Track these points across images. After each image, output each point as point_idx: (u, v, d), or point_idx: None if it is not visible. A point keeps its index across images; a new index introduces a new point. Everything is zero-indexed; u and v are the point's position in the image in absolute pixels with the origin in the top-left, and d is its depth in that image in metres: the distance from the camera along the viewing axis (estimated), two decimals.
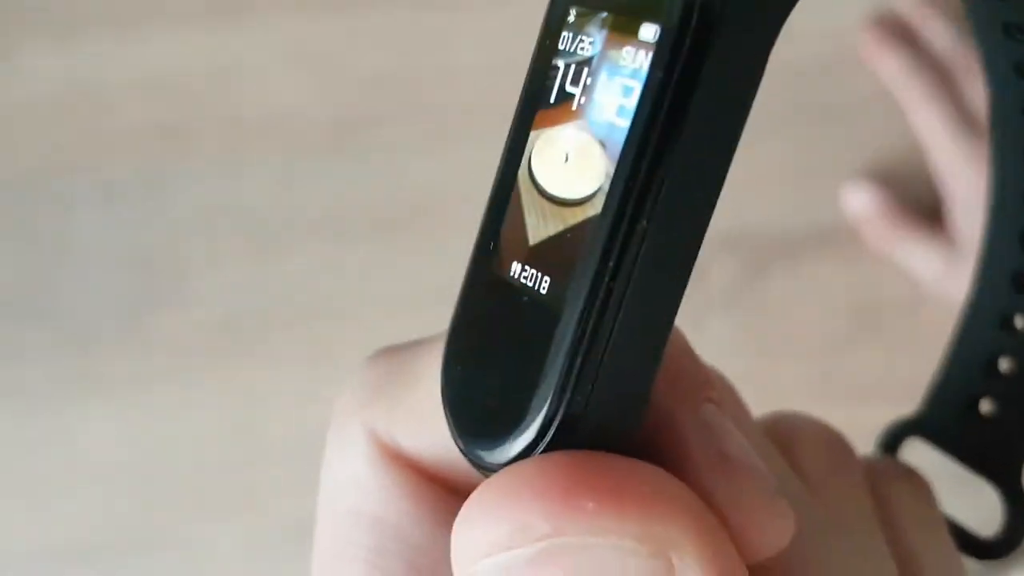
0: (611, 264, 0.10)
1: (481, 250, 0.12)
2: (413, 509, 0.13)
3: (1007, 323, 0.17)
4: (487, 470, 0.11)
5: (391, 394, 0.13)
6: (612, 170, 0.10)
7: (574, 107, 0.10)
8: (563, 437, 0.10)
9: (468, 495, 0.12)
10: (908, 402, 0.46)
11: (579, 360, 0.10)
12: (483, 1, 0.45)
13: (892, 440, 0.19)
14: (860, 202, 0.44)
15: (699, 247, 0.10)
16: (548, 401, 0.10)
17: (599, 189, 0.10)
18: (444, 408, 0.11)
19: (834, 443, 0.16)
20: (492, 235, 0.11)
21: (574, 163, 0.10)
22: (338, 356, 0.44)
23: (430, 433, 0.13)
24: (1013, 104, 0.14)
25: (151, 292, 0.44)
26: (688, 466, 0.11)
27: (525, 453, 0.10)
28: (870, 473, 0.16)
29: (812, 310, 0.44)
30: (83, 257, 0.44)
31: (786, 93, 0.45)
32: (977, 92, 0.44)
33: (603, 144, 0.10)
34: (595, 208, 0.10)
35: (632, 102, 0.09)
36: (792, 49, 0.47)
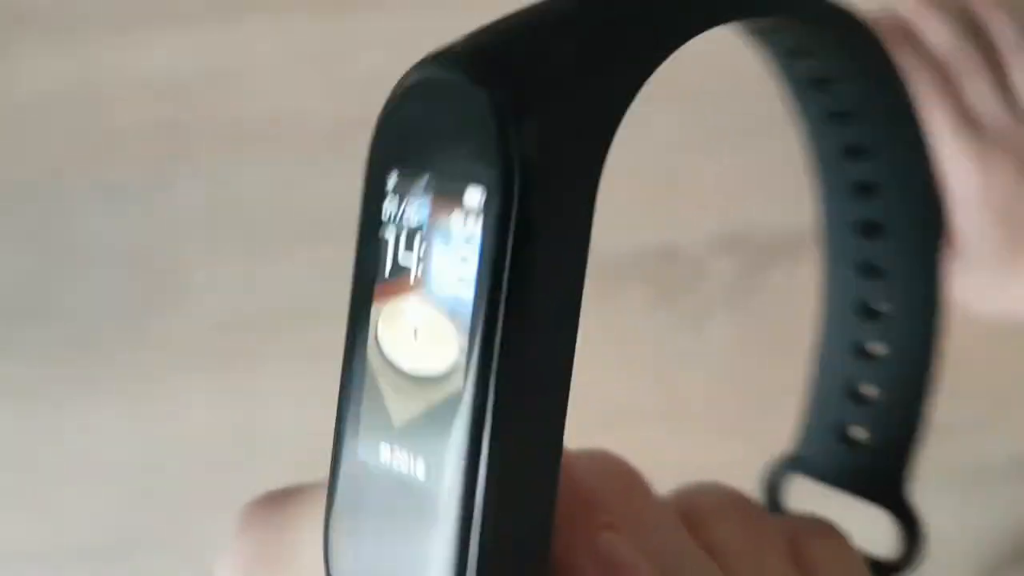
0: (484, 446, 0.09)
1: (346, 434, 0.11)
2: None
3: (860, 351, 0.17)
4: None
5: (268, 569, 0.13)
6: (465, 344, 0.09)
7: (411, 280, 0.10)
8: None
9: None
10: None
11: (471, 543, 0.09)
12: (483, 2, 0.45)
13: (773, 481, 0.19)
14: None
15: (566, 401, 0.10)
16: None
17: (455, 365, 0.09)
18: None
19: (743, 510, 0.16)
20: (353, 418, 0.11)
21: (424, 338, 0.10)
22: (336, 357, 0.44)
23: None
24: (828, 149, 0.16)
25: (152, 292, 0.44)
26: None
27: None
28: (785, 533, 0.16)
29: (811, 310, 0.44)
30: (84, 257, 0.44)
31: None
32: (977, 91, 0.44)
33: (450, 317, 0.09)
34: (455, 386, 0.09)
35: (471, 272, 0.09)
36: None
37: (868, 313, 0.16)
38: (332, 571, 0.11)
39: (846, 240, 0.16)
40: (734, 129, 0.45)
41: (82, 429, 0.44)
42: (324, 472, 0.40)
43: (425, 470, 0.10)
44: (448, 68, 0.10)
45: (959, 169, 0.43)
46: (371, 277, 0.10)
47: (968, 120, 0.44)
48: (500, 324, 0.09)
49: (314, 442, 0.48)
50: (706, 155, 0.45)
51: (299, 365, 0.44)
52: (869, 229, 0.15)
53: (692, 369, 0.44)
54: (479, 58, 0.09)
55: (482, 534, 0.09)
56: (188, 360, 0.44)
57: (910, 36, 0.45)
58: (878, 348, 0.17)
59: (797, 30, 0.14)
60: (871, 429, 0.16)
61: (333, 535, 0.11)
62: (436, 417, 0.10)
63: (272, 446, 0.44)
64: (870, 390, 0.17)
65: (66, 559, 0.44)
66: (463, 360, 0.09)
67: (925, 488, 0.45)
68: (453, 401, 0.09)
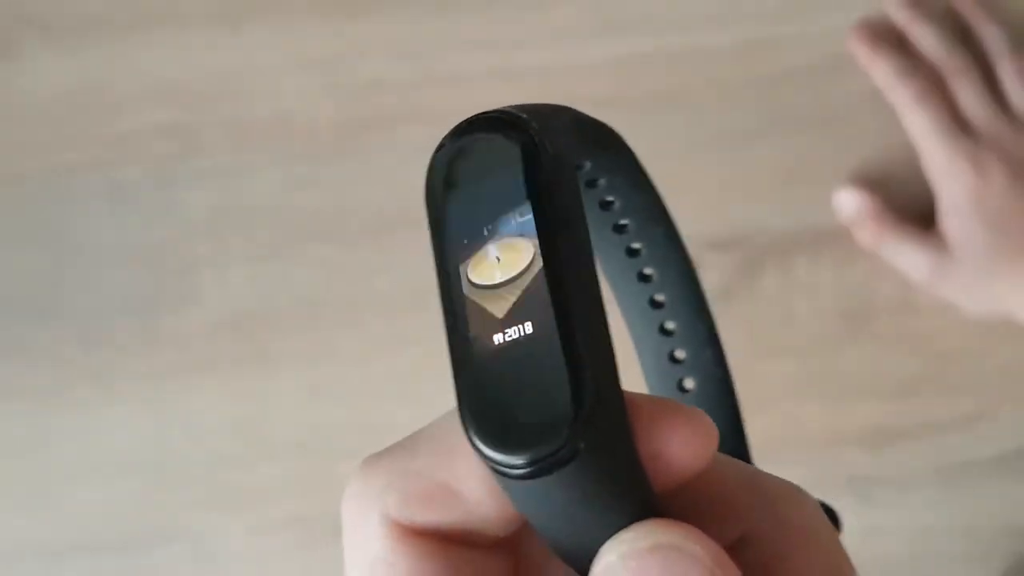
0: (564, 291, 0.14)
1: (460, 351, 0.15)
2: (437, 568, 0.14)
3: (673, 357, 0.22)
4: (524, 475, 0.13)
5: (399, 486, 0.15)
6: (536, 242, 0.14)
7: (485, 232, 0.15)
8: (594, 420, 0.13)
9: (480, 545, 0.14)
10: (898, 400, 0.47)
11: (579, 363, 0.13)
12: (482, 5, 0.45)
13: None
14: (852, 204, 0.44)
15: (595, 269, 0.15)
16: (570, 400, 0.13)
17: (533, 256, 0.14)
18: (475, 439, 0.14)
19: None
20: (463, 339, 0.14)
21: (505, 258, 0.14)
22: (342, 355, 0.45)
23: (443, 507, 0.14)
24: (613, 251, 0.20)
25: (160, 291, 0.44)
26: None
27: (568, 440, 0.13)
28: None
29: (804, 310, 0.45)
30: (93, 257, 0.44)
31: (779, 96, 0.46)
32: (968, 96, 0.44)
33: (521, 236, 0.14)
34: (536, 266, 0.14)
35: (528, 217, 0.14)
36: (786, 53, 0.47)
37: (672, 359, 0.22)
38: (477, 439, 0.14)
39: (644, 312, 0.21)
40: (730, 132, 0.46)
41: (91, 426, 0.44)
42: (328, 468, 0.41)
43: (531, 326, 0.14)
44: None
45: (953, 171, 0.43)
46: (456, 250, 0.15)
47: (960, 124, 0.44)
48: (551, 223, 0.14)
49: (317, 439, 0.48)
50: (704, 156, 0.46)
51: (304, 363, 0.45)
52: (656, 304, 0.21)
53: None
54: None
55: (579, 348, 0.13)
56: (195, 358, 0.44)
57: (901, 40, 0.45)
58: (688, 383, 0.22)
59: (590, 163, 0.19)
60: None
61: (469, 414, 0.14)
62: (528, 293, 0.14)
63: (277, 442, 0.45)
64: (692, 383, 0.22)
65: (76, 554, 0.44)
66: (537, 251, 0.14)
67: (915, 484, 0.45)
68: (537, 276, 0.14)
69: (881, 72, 0.45)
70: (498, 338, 0.14)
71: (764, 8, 0.46)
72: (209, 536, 0.44)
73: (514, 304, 0.14)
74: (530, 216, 0.14)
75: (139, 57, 0.45)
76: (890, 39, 0.45)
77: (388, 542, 0.14)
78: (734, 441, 0.22)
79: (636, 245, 0.20)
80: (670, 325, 0.21)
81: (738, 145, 0.45)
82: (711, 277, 0.44)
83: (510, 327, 0.14)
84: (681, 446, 0.14)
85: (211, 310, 0.44)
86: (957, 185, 0.43)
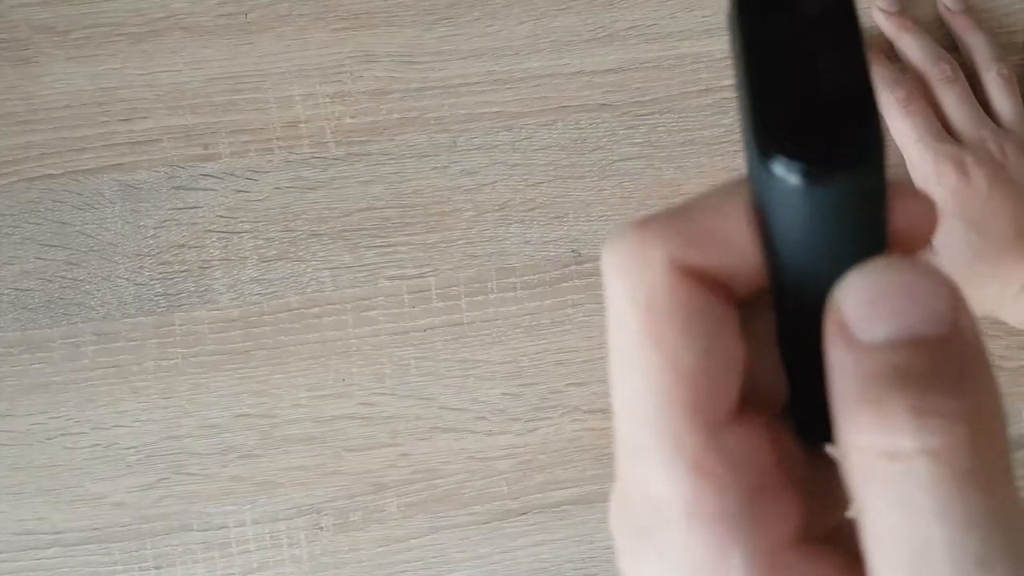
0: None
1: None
2: (703, 305, 0.16)
3: None
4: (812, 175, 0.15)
5: (682, 231, 0.16)
6: None
7: None
8: (880, 141, 0.15)
9: (744, 296, 0.16)
10: None
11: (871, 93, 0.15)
12: (483, 14, 0.46)
13: None
14: None
15: None
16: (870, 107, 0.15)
17: None
18: (783, 137, 0.15)
19: None
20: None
21: None
22: (348, 351, 0.46)
23: (717, 251, 0.16)
24: None
25: (173, 289, 0.45)
26: None
27: (871, 138, 0.15)
28: None
29: None
30: (108, 255, 0.45)
31: None
32: (952, 102, 0.45)
33: None
34: None
35: None
36: None
37: None
38: (784, 137, 0.15)
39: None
40: (724, 136, 0.47)
41: (106, 420, 0.45)
42: (336, 460, 0.42)
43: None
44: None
45: (937, 175, 0.43)
46: None
47: (945, 130, 0.45)
48: None
49: (324, 431, 0.49)
50: (698, 160, 0.47)
51: (314, 358, 0.45)
52: None
53: None
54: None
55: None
56: (208, 354, 0.45)
57: (887, 50, 0.46)
58: None
59: None
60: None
61: (764, 108, 0.15)
62: None
63: (290, 435, 0.45)
64: None
65: (90, 543, 0.45)
66: None
67: None
68: None
69: None
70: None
71: None
72: (220, 526, 0.45)
73: None
74: None
75: (153, 64, 0.45)
76: (877, 49, 0.46)
77: (672, 278, 0.16)
78: None
79: None
80: None
81: (729, 149, 0.46)
82: None
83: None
84: (914, 218, 0.16)
85: (222, 307, 0.45)
86: (941, 189, 0.43)
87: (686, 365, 0.16)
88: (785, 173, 0.15)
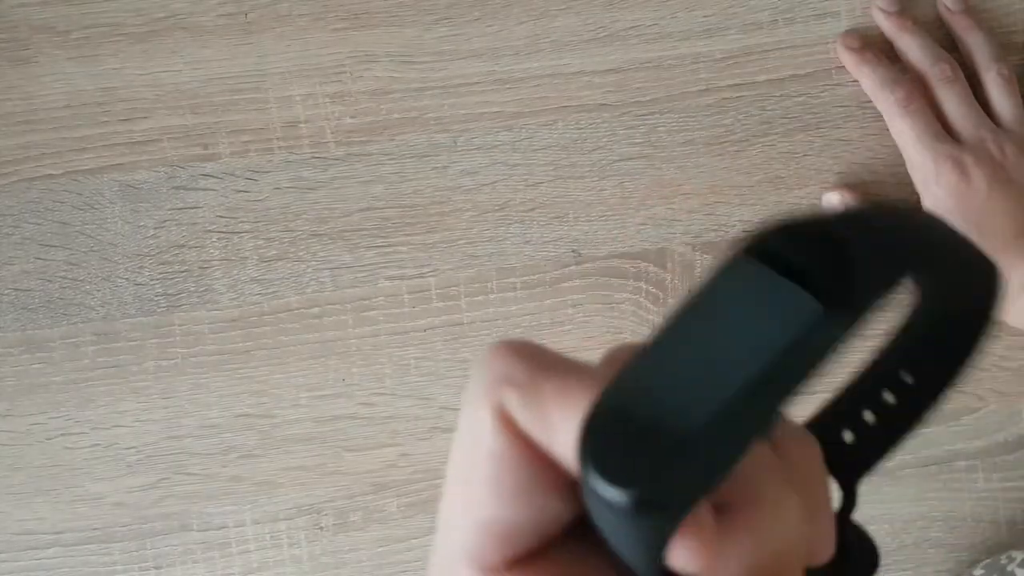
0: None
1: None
2: (521, 461, 0.17)
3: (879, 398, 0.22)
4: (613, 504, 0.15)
5: (524, 392, 0.17)
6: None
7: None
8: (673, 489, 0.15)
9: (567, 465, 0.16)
10: None
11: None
12: (483, 15, 0.46)
13: None
14: (838, 206, 0.44)
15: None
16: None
17: None
18: (589, 459, 0.15)
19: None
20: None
21: None
22: (348, 351, 0.46)
23: (547, 440, 0.17)
24: None
25: (173, 289, 0.45)
26: None
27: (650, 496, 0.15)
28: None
29: None
30: (108, 255, 0.45)
31: (772, 101, 0.46)
32: (952, 102, 0.45)
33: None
34: None
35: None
36: (777, 62, 0.48)
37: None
38: (591, 461, 0.15)
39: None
40: (722, 136, 0.46)
41: (106, 420, 0.45)
42: (335, 460, 0.42)
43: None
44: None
45: (936, 174, 0.44)
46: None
47: (944, 130, 0.45)
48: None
49: (322, 431, 0.49)
50: (696, 160, 0.47)
51: (313, 358, 0.45)
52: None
53: None
54: None
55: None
56: (207, 354, 0.45)
57: (887, 50, 0.46)
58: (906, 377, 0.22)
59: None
60: (858, 438, 0.21)
61: (593, 442, 0.15)
62: None
63: (289, 435, 0.45)
64: (871, 416, 0.22)
65: (91, 543, 0.45)
66: None
67: (900, 475, 0.46)
68: None
69: (868, 80, 0.45)
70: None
71: (756, 19, 0.46)
72: (220, 526, 0.45)
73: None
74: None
75: (153, 64, 0.45)
76: (877, 49, 0.46)
77: (501, 427, 0.17)
78: None
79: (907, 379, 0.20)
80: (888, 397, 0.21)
81: (729, 149, 0.46)
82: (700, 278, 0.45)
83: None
84: (683, 553, 0.16)
85: (223, 307, 0.45)
86: (940, 188, 0.43)
87: (487, 509, 0.17)
88: (588, 477, 0.15)
